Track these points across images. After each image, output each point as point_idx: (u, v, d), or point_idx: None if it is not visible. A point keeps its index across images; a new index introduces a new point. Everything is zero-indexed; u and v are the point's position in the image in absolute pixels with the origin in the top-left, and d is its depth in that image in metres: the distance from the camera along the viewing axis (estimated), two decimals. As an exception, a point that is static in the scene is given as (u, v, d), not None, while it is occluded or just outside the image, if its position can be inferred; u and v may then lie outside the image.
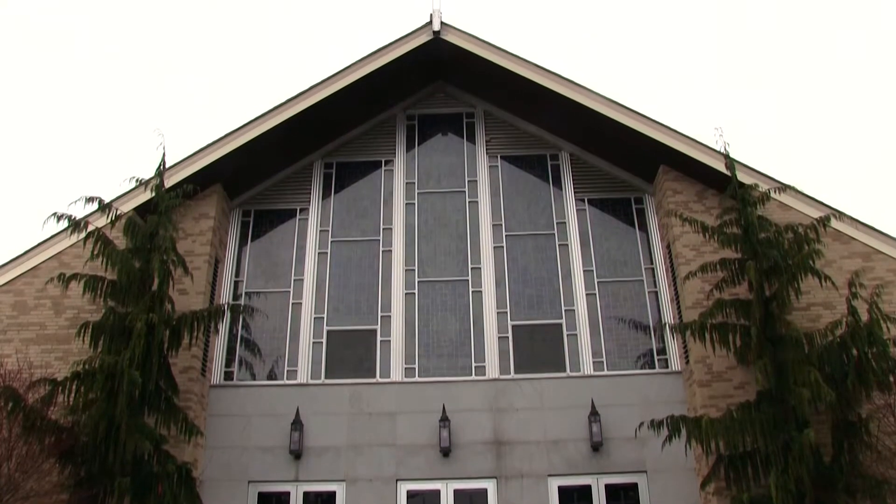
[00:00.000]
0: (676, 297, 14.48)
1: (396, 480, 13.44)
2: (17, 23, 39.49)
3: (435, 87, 17.15)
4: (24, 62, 39.88)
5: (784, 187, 13.65)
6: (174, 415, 12.11)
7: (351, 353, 14.62)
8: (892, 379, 11.34)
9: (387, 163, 16.53)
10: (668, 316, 14.60)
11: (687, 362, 13.78)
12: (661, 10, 42.40)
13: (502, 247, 15.51)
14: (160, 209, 12.97)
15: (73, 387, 11.52)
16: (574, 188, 15.99)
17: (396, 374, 14.31)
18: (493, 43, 15.33)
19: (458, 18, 16.36)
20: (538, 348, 14.52)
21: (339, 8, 43.60)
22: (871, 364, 11.28)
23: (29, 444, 10.90)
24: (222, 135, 14.77)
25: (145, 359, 11.61)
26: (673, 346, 14.35)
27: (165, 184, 13.60)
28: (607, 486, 13.28)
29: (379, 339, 14.69)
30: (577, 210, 15.79)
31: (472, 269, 15.30)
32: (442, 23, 15.47)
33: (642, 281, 15.11)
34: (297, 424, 13.66)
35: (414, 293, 15.13)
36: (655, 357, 14.43)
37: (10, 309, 13.81)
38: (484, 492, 13.33)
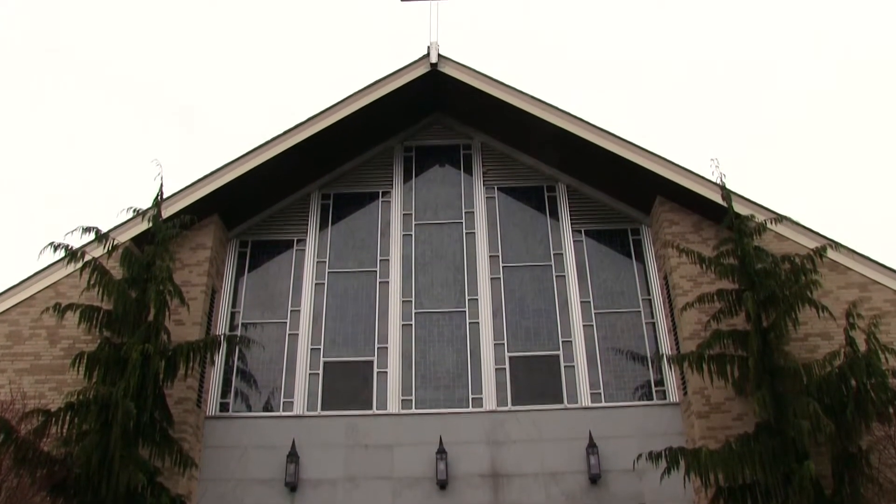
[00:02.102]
0: (674, 328, 14.45)
1: (393, 514, 13.29)
2: (16, 34, 39.83)
3: (432, 118, 17.26)
4: (22, 86, 40.16)
5: (780, 218, 13.70)
6: (169, 446, 12.00)
7: (348, 385, 14.53)
8: (891, 410, 11.29)
9: (384, 194, 16.58)
10: (666, 347, 14.55)
11: (685, 394, 13.71)
12: (655, 38, 42.94)
13: (499, 278, 15.49)
14: (157, 239, 12.99)
15: (67, 418, 11.45)
16: (571, 219, 16.02)
17: (393, 405, 14.21)
18: (490, 75, 15.50)
19: (455, 51, 16.49)
20: (535, 380, 14.44)
21: (338, 41, 44.07)
22: (870, 395, 11.25)
23: (20, 476, 10.77)
24: (220, 166, 14.88)
25: (140, 390, 11.54)
26: (671, 378, 14.29)
27: (163, 214, 13.65)
28: (606, 520, 13.14)
29: (376, 370, 14.61)
30: (574, 241, 15.81)
31: (469, 300, 15.27)
32: (439, 55, 15.65)
33: (640, 312, 15.09)
34: (293, 456, 13.52)
35: (411, 324, 15.08)
36: (653, 388, 14.36)
37: (4, 339, 13.73)
38: (481, 525, 13.18)
